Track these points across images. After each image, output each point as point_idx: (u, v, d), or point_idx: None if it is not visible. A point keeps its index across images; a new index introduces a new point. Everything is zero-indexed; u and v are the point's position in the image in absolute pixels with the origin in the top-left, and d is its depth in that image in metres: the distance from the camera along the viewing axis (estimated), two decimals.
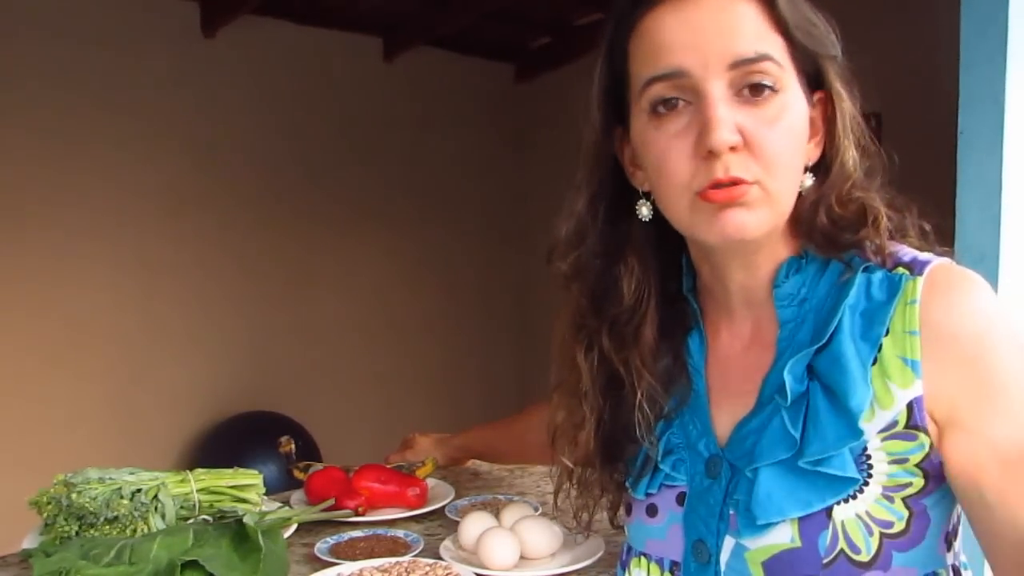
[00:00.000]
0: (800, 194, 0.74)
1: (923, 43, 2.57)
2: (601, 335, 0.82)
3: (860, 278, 0.72)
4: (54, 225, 3.46)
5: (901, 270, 0.71)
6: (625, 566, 0.85)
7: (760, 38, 0.69)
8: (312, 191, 4.17)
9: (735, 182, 0.68)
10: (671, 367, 0.82)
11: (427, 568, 0.97)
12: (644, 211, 0.78)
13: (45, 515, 1.09)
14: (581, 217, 0.81)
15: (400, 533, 1.16)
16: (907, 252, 0.74)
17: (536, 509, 1.21)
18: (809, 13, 0.73)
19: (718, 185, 0.68)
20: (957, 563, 0.75)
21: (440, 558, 1.03)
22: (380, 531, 1.17)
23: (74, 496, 1.06)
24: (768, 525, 0.71)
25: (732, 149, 0.68)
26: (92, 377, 3.58)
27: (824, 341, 0.71)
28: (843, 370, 0.69)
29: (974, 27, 1.57)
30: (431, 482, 1.38)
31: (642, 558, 0.82)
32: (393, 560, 1.00)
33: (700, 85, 0.68)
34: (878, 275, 0.72)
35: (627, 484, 0.84)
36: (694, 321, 0.82)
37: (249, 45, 3.90)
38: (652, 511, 0.81)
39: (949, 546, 0.74)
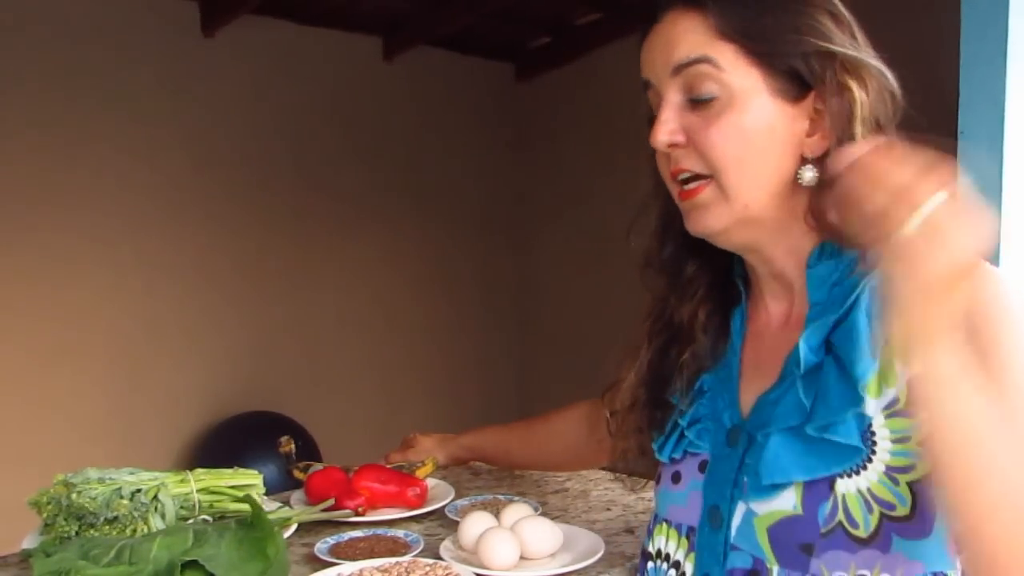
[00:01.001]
0: (802, 187, 0.77)
1: (923, 43, 2.57)
2: (669, 301, 0.91)
3: None
4: (53, 225, 3.46)
5: None
6: (650, 533, 0.90)
7: (699, 45, 0.77)
8: (312, 191, 4.17)
9: (683, 173, 0.79)
10: (717, 340, 0.89)
11: (427, 568, 0.97)
12: None
13: (45, 515, 1.09)
14: (655, 208, 0.91)
15: (400, 533, 1.16)
16: None
17: (536, 509, 1.21)
18: (790, 14, 0.76)
19: (683, 180, 0.79)
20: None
21: (440, 558, 1.03)
22: (380, 531, 1.17)
23: (74, 496, 1.06)
24: (774, 488, 0.75)
25: (676, 146, 0.78)
26: (92, 377, 3.58)
27: (842, 314, 0.75)
28: (854, 341, 0.73)
29: (974, 27, 1.57)
30: (431, 482, 1.38)
31: (664, 524, 0.87)
32: (393, 560, 1.00)
33: (659, 92, 0.80)
34: None
35: (655, 448, 0.90)
36: (738, 302, 0.89)
37: (249, 45, 3.90)
38: (676, 478, 0.87)
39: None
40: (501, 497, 1.31)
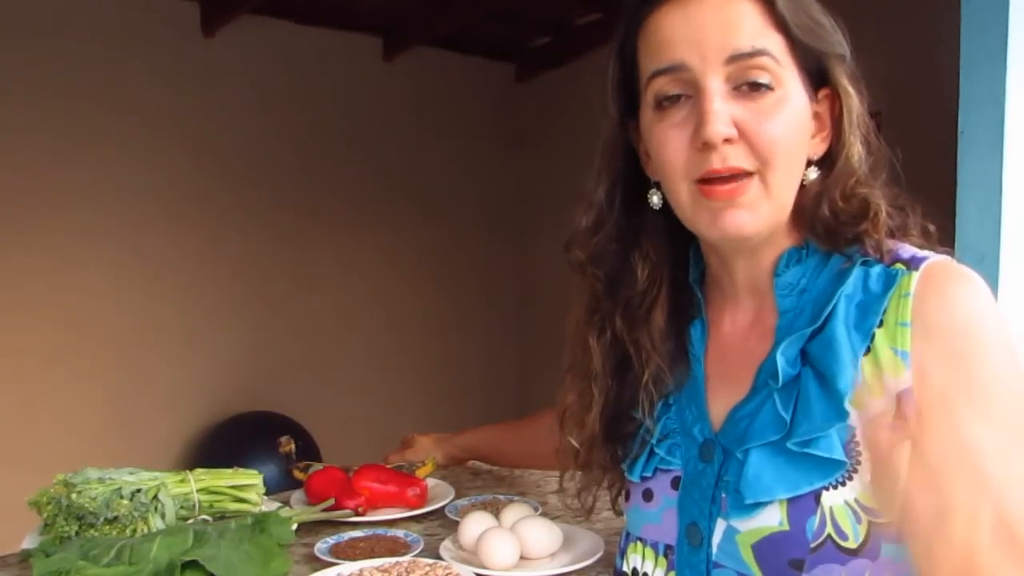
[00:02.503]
0: (804, 187, 0.76)
1: (923, 43, 2.57)
2: (614, 317, 0.85)
3: (858, 270, 0.74)
4: (53, 225, 3.45)
5: (899, 265, 0.73)
6: (623, 552, 0.87)
7: (757, 34, 0.71)
8: (312, 191, 4.17)
9: (733, 172, 0.71)
10: (674, 352, 0.84)
11: (427, 568, 0.97)
12: (655, 200, 0.81)
13: (45, 515, 1.09)
14: (600, 206, 0.85)
15: (400, 533, 1.16)
16: (907, 250, 0.75)
17: (536, 509, 1.21)
18: (815, 13, 0.75)
19: (713, 177, 0.72)
20: None
21: (440, 558, 1.03)
22: (380, 531, 1.17)
23: (74, 496, 1.06)
24: (756, 506, 0.73)
25: (728, 141, 0.71)
26: (92, 377, 3.58)
27: (818, 325, 0.73)
28: (834, 354, 0.71)
29: (974, 27, 1.57)
30: (431, 482, 1.38)
31: (638, 543, 0.84)
32: (393, 560, 1.00)
33: (699, 79, 0.71)
34: (876, 269, 0.74)
35: (624, 467, 0.86)
36: (697, 310, 0.85)
37: (249, 45, 3.90)
38: (648, 496, 0.84)
39: None
40: (501, 497, 1.31)
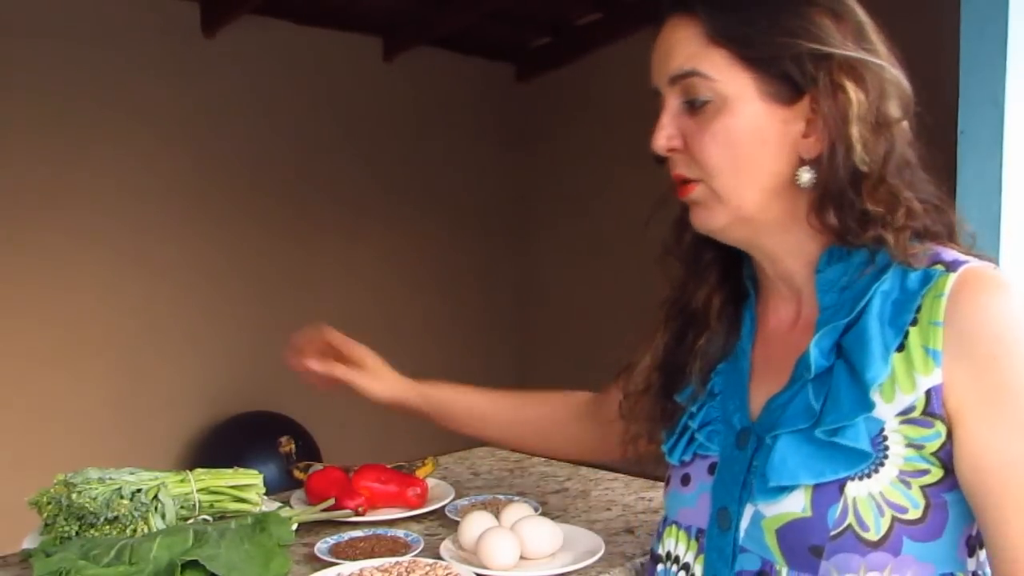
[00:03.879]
0: (803, 188, 0.77)
1: (923, 43, 2.56)
2: (685, 286, 0.91)
3: (898, 269, 0.75)
4: (53, 226, 3.46)
5: (939, 266, 0.74)
6: (660, 536, 0.90)
7: (691, 56, 0.78)
8: (312, 191, 4.17)
9: (681, 179, 0.81)
10: (728, 331, 0.89)
11: (427, 568, 0.97)
12: None
13: (45, 515, 1.09)
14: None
15: (400, 533, 1.16)
16: (949, 253, 0.76)
17: (536, 509, 1.21)
18: (783, 19, 0.76)
19: (676, 179, 0.81)
20: (980, 572, 0.76)
21: (440, 558, 1.03)
22: (380, 531, 1.17)
23: (74, 496, 1.06)
24: (781, 490, 0.75)
25: (674, 151, 0.80)
26: (92, 377, 3.58)
27: (852, 318, 0.75)
28: (864, 346, 0.73)
29: (974, 28, 1.57)
30: (431, 482, 1.38)
31: (674, 526, 0.88)
32: (393, 560, 1.00)
33: (663, 98, 0.81)
34: (917, 270, 0.75)
35: (664, 450, 0.90)
36: (748, 307, 0.89)
37: (249, 45, 3.90)
38: (686, 480, 0.87)
39: (972, 551, 0.75)
40: (501, 497, 1.31)
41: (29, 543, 1.09)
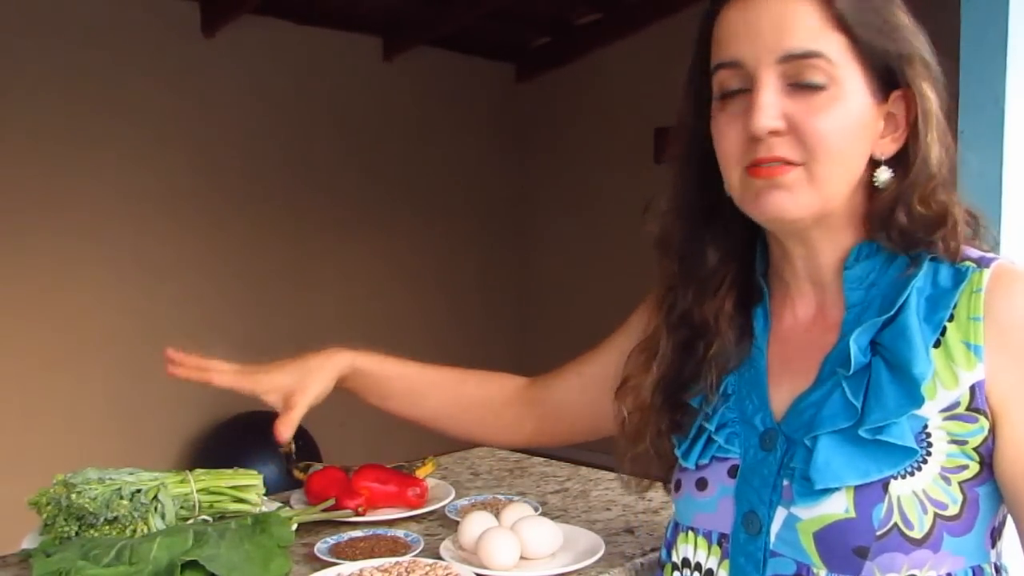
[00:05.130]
0: (877, 188, 0.77)
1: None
2: (687, 294, 0.87)
3: (928, 265, 0.76)
4: (53, 226, 3.45)
5: (968, 263, 0.75)
6: (671, 545, 0.87)
7: (813, 36, 0.73)
8: (311, 191, 4.17)
9: (777, 160, 0.74)
10: (739, 336, 0.86)
11: (427, 568, 0.96)
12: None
13: (45, 515, 1.09)
14: (676, 187, 0.88)
15: (400, 533, 1.16)
16: (975, 252, 0.77)
17: (536, 509, 1.21)
18: (888, 13, 0.75)
19: (760, 163, 0.75)
20: (999, 563, 0.77)
21: (440, 558, 1.02)
22: (380, 531, 1.17)
23: (74, 496, 1.06)
24: (825, 492, 0.74)
25: (775, 133, 0.74)
26: (92, 378, 3.58)
27: (891, 315, 0.75)
28: (908, 342, 0.73)
29: (974, 27, 1.57)
30: (431, 482, 1.38)
31: (690, 532, 0.85)
32: (393, 560, 1.00)
33: (753, 74, 0.75)
34: (945, 265, 0.76)
35: (678, 454, 0.87)
36: (761, 301, 0.87)
37: (249, 45, 3.90)
38: (702, 485, 0.84)
39: (993, 543, 0.76)
40: (501, 497, 1.31)
41: (28, 543, 1.09)
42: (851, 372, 0.75)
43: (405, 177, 4.51)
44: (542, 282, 5.10)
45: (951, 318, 0.73)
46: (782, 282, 0.86)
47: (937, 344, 0.73)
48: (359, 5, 3.99)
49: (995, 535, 0.76)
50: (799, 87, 0.73)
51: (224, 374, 1.13)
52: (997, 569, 0.76)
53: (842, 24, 0.73)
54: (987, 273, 0.73)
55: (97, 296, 3.59)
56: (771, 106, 0.73)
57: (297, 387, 1.13)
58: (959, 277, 0.74)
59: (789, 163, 0.74)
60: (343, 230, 4.31)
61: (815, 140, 0.73)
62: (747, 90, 0.75)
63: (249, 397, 1.16)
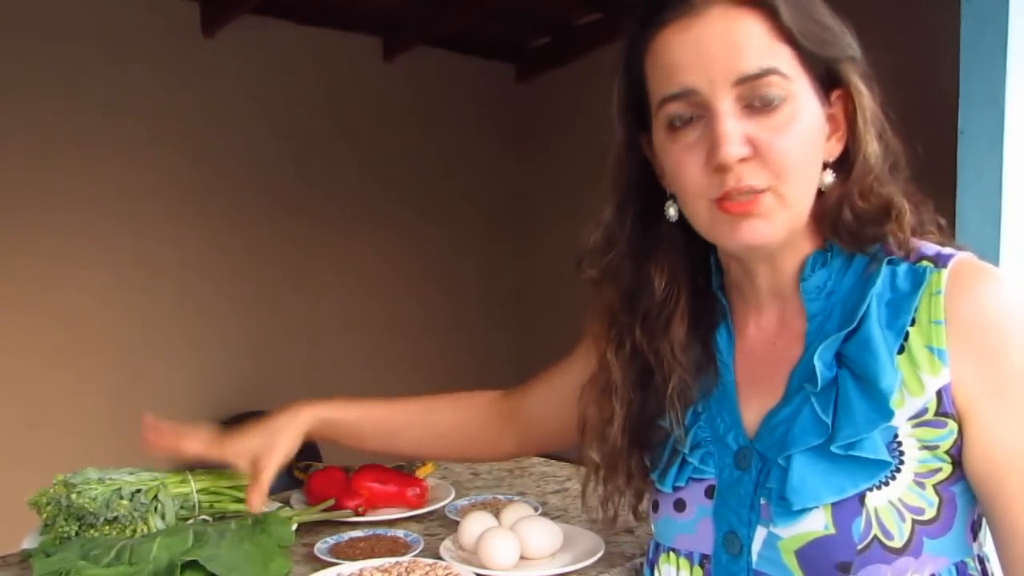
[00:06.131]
0: (821, 191, 0.76)
1: (923, 43, 2.57)
2: (634, 330, 0.84)
3: (885, 270, 0.74)
4: (53, 226, 3.45)
5: (925, 263, 0.74)
6: (653, 565, 0.86)
7: (764, 53, 0.71)
8: (311, 191, 4.17)
9: (749, 190, 0.71)
10: (700, 359, 0.84)
11: (427, 568, 0.96)
12: (672, 212, 0.80)
13: (44, 515, 1.09)
14: (609, 225, 0.85)
15: (400, 533, 1.16)
16: (930, 247, 0.76)
17: (536, 509, 1.21)
18: (822, 17, 0.75)
19: (731, 195, 0.72)
20: (982, 553, 0.77)
21: (440, 558, 1.02)
22: (380, 531, 1.17)
23: (73, 496, 1.06)
24: (803, 511, 0.73)
25: (742, 160, 0.71)
26: (92, 377, 3.58)
27: (853, 327, 0.73)
28: (873, 354, 0.72)
29: (974, 27, 1.57)
30: (431, 482, 1.38)
31: (671, 553, 0.84)
32: (393, 560, 1.00)
33: (709, 102, 0.71)
34: (903, 267, 0.74)
35: (653, 478, 0.85)
36: (722, 316, 0.85)
37: (249, 45, 3.90)
38: (680, 506, 0.83)
39: (975, 535, 0.76)
40: (501, 497, 1.31)
41: (28, 543, 1.09)
42: (819, 388, 0.74)
43: (405, 177, 4.51)
44: (541, 282, 5.10)
45: (913, 322, 0.72)
46: (741, 296, 0.84)
47: (901, 350, 0.72)
48: (359, 5, 3.99)
49: (975, 527, 0.76)
50: (756, 106, 0.71)
51: (194, 443, 1.11)
52: (981, 560, 0.76)
53: (788, 35, 0.71)
54: (945, 274, 0.72)
55: (97, 296, 3.59)
56: (735, 133, 0.70)
57: (264, 450, 1.09)
58: (917, 279, 0.73)
59: (757, 191, 0.71)
60: (343, 229, 4.31)
61: (780, 161, 0.71)
62: (700, 117, 0.72)
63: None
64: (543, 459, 1.53)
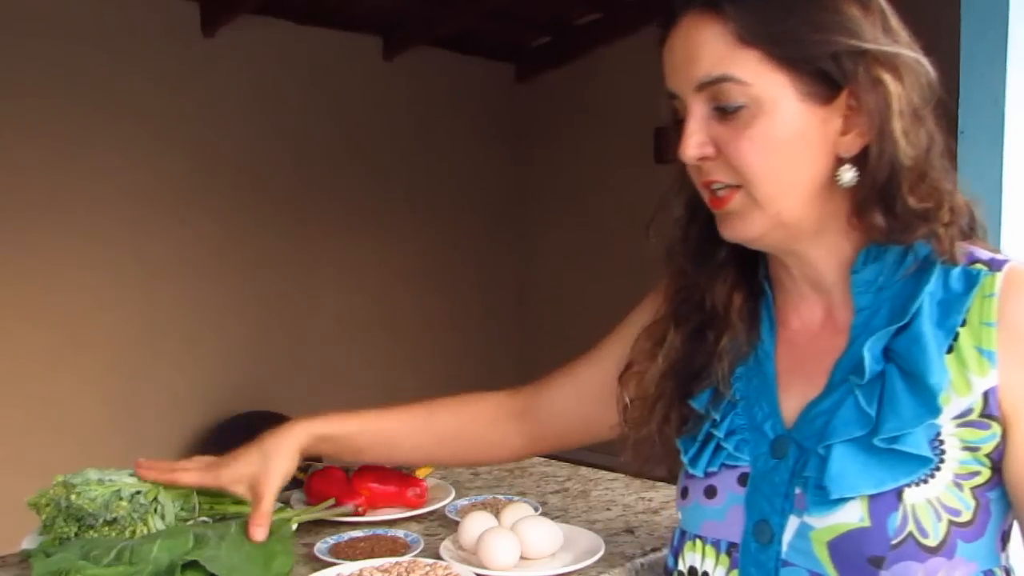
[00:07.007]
0: (843, 187, 0.75)
1: (923, 43, 2.56)
2: (698, 283, 0.86)
3: (939, 269, 0.74)
4: (53, 227, 3.46)
5: (979, 266, 0.74)
6: (677, 552, 0.86)
7: (719, 60, 0.73)
8: (311, 191, 4.17)
9: (719, 185, 0.76)
10: (749, 328, 0.85)
11: (427, 568, 0.96)
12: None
13: (44, 516, 1.09)
14: (681, 192, 0.86)
15: (400, 533, 1.16)
16: (984, 252, 0.76)
17: (536, 509, 1.21)
18: (810, 13, 0.72)
19: (708, 189, 0.77)
20: (1008, 564, 0.77)
21: (440, 558, 1.02)
22: (380, 531, 1.17)
23: (73, 497, 1.06)
24: (839, 501, 0.73)
25: (707, 159, 0.75)
26: (92, 378, 3.58)
27: (905, 322, 0.73)
28: (923, 350, 0.72)
29: (974, 27, 1.57)
30: (431, 482, 1.38)
31: (697, 541, 0.83)
32: (393, 560, 1.00)
33: (685, 104, 0.76)
34: (956, 268, 0.74)
35: (685, 461, 0.85)
36: (765, 307, 0.86)
37: (249, 45, 3.90)
38: (711, 492, 0.83)
39: (1004, 546, 0.76)
40: (501, 497, 1.31)
41: (28, 543, 1.09)
42: (864, 380, 0.73)
43: (405, 177, 4.51)
44: (542, 282, 5.10)
45: (964, 323, 0.72)
46: (782, 287, 0.85)
47: (950, 350, 0.72)
48: (359, 5, 3.99)
49: (1005, 538, 0.76)
50: (723, 112, 0.74)
51: (189, 473, 1.10)
52: (1007, 572, 0.76)
53: (749, 40, 0.72)
54: (999, 277, 0.72)
55: (97, 296, 3.59)
56: (695, 134, 0.74)
57: (261, 475, 1.07)
58: (971, 281, 0.73)
59: (731, 187, 0.75)
60: (342, 229, 4.31)
61: (740, 164, 0.74)
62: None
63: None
64: (543, 459, 1.53)
